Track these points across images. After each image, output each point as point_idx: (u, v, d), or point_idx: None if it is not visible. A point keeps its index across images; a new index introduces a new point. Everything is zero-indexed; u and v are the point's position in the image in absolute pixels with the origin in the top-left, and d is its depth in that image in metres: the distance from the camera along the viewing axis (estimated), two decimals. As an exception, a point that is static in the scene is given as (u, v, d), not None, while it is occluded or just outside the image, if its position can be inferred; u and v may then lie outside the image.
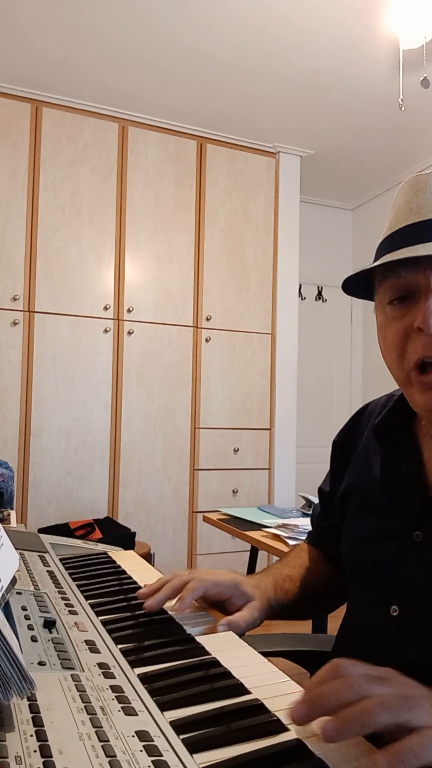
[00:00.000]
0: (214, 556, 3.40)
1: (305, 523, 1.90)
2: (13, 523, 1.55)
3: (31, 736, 0.46)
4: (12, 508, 1.89)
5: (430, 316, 0.67)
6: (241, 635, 0.78)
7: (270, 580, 0.92)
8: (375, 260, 0.74)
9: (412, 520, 0.76)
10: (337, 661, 0.51)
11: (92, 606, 0.79)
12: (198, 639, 0.70)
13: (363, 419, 0.95)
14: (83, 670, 0.59)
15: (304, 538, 1.76)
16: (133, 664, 0.62)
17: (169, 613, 0.79)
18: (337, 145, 3.70)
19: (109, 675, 0.59)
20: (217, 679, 0.60)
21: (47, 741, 0.46)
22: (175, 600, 0.78)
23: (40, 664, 0.59)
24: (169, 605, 0.80)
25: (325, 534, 1.00)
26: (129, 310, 3.29)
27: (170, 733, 0.50)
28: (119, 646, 0.67)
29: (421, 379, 0.71)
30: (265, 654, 0.70)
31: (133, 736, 0.48)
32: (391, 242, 0.72)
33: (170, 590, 0.79)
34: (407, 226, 0.70)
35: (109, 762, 0.44)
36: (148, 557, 2.89)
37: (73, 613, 0.75)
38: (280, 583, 0.93)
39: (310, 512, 2.18)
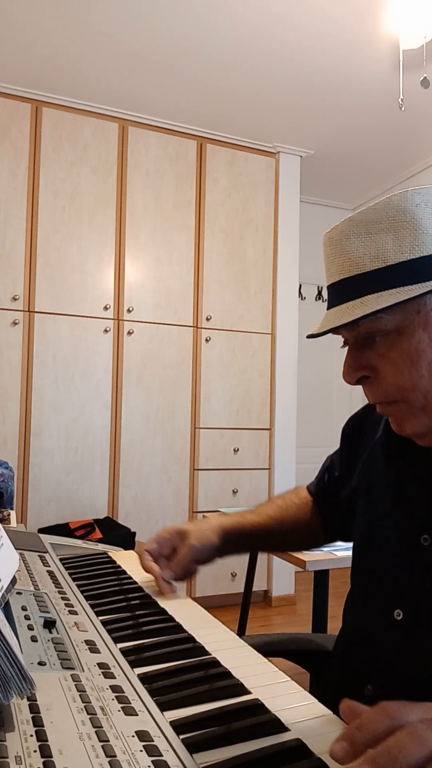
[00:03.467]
0: (214, 556, 3.40)
1: (305, 523, 1.90)
2: (13, 523, 1.55)
3: (31, 736, 0.46)
4: (12, 508, 1.89)
5: (347, 371, 0.73)
6: (181, 578, 0.94)
7: (225, 518, 1.02)
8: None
9: (421, 523, 0.75)
10: (385, 704, 0.45)
11: (92, 606, 0.79)
12: (198, 639, 0.70)
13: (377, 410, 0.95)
14: (83, 670, 0.59)
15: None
16: (133, 664, 0.62)
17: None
18: (337, 145, 3.70)
19: (109, 675, 0.59)
20: (217, 679, 0.60)
21: (47, 741, 0.46)
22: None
23: (40, 664, 0.59)
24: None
25: (323, 498, 1.02)
26: (129, 310, 3.29)
27: (170, 733, 0.50)
28: (119, 646, 0.67)
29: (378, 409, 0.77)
30: (266, 654, 0.70)
31: (133, 736, 0.48)
32: (327, 298, 0.77)
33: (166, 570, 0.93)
34: (328, 287, 0.75)
35: (109, 762, 0.44)
36: (148, 557, 2.89)
37: (73, 613, 0.75)
38: (244, 515, 1.03)
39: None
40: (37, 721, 0.48)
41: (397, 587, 0.76)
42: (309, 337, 0.76)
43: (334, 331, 0.72)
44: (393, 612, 0.75)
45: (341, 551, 1.71)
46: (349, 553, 1.68)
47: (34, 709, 0.50)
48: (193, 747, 0.48)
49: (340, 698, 0.50)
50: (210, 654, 0.66)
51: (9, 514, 1.59)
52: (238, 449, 3.52)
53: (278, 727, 0.52)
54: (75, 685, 0.56)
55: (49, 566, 0.96)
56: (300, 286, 4.16)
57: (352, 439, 0.97)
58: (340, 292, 0.71)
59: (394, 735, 0.42)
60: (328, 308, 0.75)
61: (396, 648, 0.74)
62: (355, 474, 0.93)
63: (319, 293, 4.54)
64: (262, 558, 2.55)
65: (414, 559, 0.75)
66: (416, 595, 0.74)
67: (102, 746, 0.46)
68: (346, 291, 0.70)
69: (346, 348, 0.76)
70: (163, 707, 0.54)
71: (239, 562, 3.35)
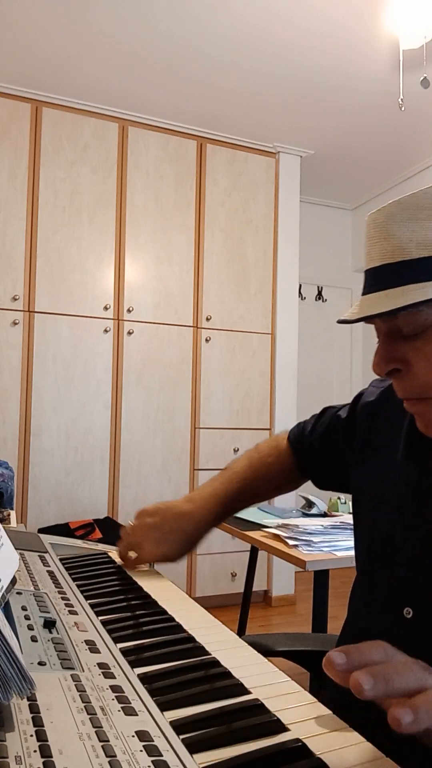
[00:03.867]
0: (214, 556, 3.40)
1: (305, 523, 1.90)
2: (13, 523, 1.55)
3: (31, 736, 0.46)
4: (12, 508, 1.89)
5: (377, 362, 0.69)
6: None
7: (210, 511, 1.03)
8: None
9: None
10: (380, 641, 0.49)
11: (92, 606, 0.79)
12: (198, 639, 0.70)
13: (392, 396, 0.90)
14: (83, 670, 0.59)
15: (303, 538, 1.77)
16: (133, 664, 0.62)
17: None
18: (337, 145, 3.70)
19: (109, 675, 0.59)
20: (217, 679, 0.60)
21: (47, 741, 0.46)
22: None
23: (40, 664, 0.59)
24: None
25: (304, 447, 1.06)
26: (129, 310, 3.29)
27: (170, 733, 0.49)
28: (119, 646, 0.67)
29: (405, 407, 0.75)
30: (266, 654, 0.70)
31: (133, 736, 0.48)
32: (364, 283, 0.73)
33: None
34: (367, 271, 0.71)
35: (109, 762, 0.44)
36: (148, 557, 2.89)
37: (73, 613, 0.75)
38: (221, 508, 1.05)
39: (310, 512, 2.18)
40: (37, 721, 0.48)
41: (407, 585, 0.75)
42: (340, 322, 0.73)
43: (368, 319, 0.68)
44: (402, 610, 0.74)
45: (341, 551, 1.71)
46: (350, 553, 1.68)
47: (34, 709, 0.50)
48: (193, 747, 0.48)
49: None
50: (210, 654, 0.66)
51: (9, 514, 1.59)
52: (238, 449, 3.52)
53: (278, 727, 0.52)
54: (75, 685, 0.56)
55: (49, 566, 0.96)
56: (300, 286, 4.16)
57: (368, 426, 0.93)
58: (379, 278, 0.67)
59: (393, 661, 0.46)
60: (364, 293, 0.71)
61: (405, 648, 0.73)
62: (366, 464, 0.90)
63: (319, 293, 4.54)
64: (261, 558, 2.55)
65: (427, 556, 0.74)
66: (425, 594, 0.73)
67: (102, 746, 0.46)
68: (387, 277, 0.66)
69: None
70: (163, 707, 0.54)
71: (239, 562, 3.35)
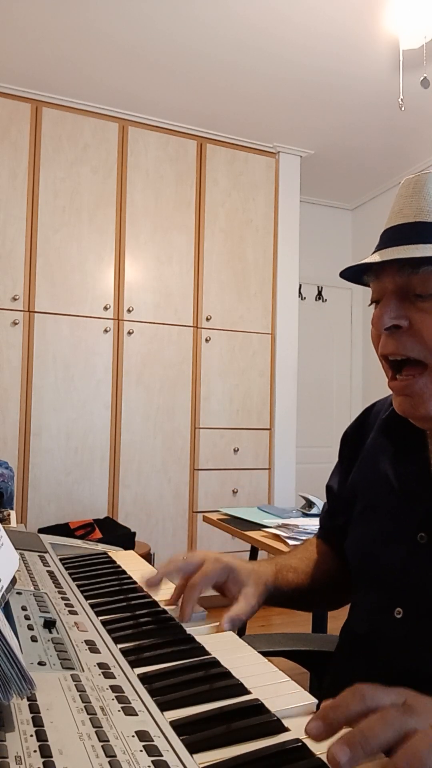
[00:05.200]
0: (214, 556, 3.40)
1: (305, 523, 1.90)
2: (13, 523, 1.55)
3: (31, 736, 0.46)
4: (12, 508, 1.89)
5: (381, 316, 0.70)
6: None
7: (272, 568, 0.91)
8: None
9: (419, 521, 0.76)
10: (359, 686, 0.47)
11: (92, 606, 0.79)
12: (198, 639, 0.70)
13: (371, 416, 0.94)
14: (83, 670, 0.59)
15: (303, 538, 1.77)
16: (133, 664, 0.62)
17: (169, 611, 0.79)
18: (337, 145, 3.70)
19: (109, 675, 0.59)
20: (217, 679, 0.60)
21: (47, 741, 0.46)
22: (179, 610, 0.80)
23: (40, 664, 0.59)
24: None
25: (331, 533, 0.99)
26: (129, 310, 3.29)
27: (170, 733, 0.49)
28: (119, 646, 0.67)
29: (392, 385, 0.75)
30: (266, 654, 0.70)
31: (133, 736, 0.48)
32: (379, 241, 0.74)
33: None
34: (392, 228, 0.73)
35: (109, 762, 0.44)
36: (148, 557, 2.89)
37: (73, 613, 0.75)
38: (283, 572, 0.91)
39: (310, 512, 2.18)
40: (37, 721, 0.48)
41: (397, 586, 0.76)
42: (348, 269, 0.74)
43: (389, 265, 0.69)
44: (393, 611, 0.75)
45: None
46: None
47: (34, 709, 0.50)
48: (193, 747, 0.47)
49: None
50: (210, 654, 0.66)
51: (9, 514, 1.59)
52: (238, 449, 3.52)
53: (278, 727, 0.52)
54: (75, 685, 0.55)
55: (49, 566, 0.96)
56: (300, 286, 4.16)
57: (353, 439, 0.96)
58: (409, 234, 0.69)
59: (368, 718, 0.44)
60: (382, 248, 0.72)
61: (397, 647, 0.75)
62: (352, 472, 0.92)
63: (319, 293, 4.53)
64: (261, 558, 2.55)
65: (413, 558, 0.75)
66: (416, 594, 0.74)
67: (102, 746, 0.46)
68: (419, 233, 0.68)
69: (373, 307, 0.73)
70: (163, 707, 0.54)
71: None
